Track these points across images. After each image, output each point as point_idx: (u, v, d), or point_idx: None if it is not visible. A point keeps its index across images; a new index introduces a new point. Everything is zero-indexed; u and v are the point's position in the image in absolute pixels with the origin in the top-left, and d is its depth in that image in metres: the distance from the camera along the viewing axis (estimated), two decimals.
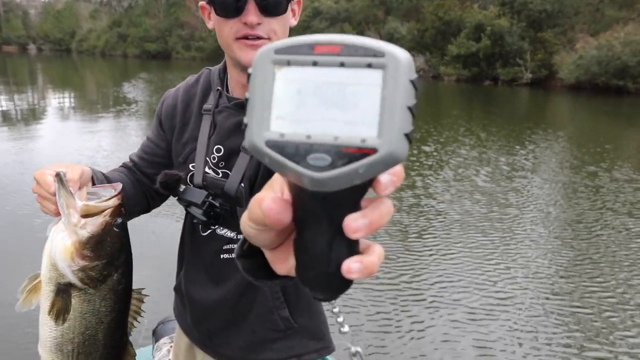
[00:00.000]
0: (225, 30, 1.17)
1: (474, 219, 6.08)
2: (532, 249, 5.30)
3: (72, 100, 17.42)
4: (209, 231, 1.31)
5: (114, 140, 10.15)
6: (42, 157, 8.53)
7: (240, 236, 1.28)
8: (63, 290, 0.94)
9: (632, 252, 5.23)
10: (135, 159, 1.42)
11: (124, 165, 1.42)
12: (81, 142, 9.70)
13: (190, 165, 1.29)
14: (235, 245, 1.29)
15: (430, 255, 5.04)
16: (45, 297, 0.96)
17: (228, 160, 1.25)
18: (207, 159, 1.27)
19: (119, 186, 1.01)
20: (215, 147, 1.26)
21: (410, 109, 0.35)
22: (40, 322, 0.99)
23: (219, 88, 1.29)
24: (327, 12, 34.72)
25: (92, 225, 0.94)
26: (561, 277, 4.68)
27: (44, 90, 20.05)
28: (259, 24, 1.14)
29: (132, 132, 11.19)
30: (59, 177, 0.93)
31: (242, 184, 1.21)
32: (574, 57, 23.35)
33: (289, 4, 1.19)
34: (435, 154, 9.51)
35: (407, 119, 0.35)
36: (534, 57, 26.14)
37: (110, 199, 0.97)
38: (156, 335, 2.09)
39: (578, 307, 4.13)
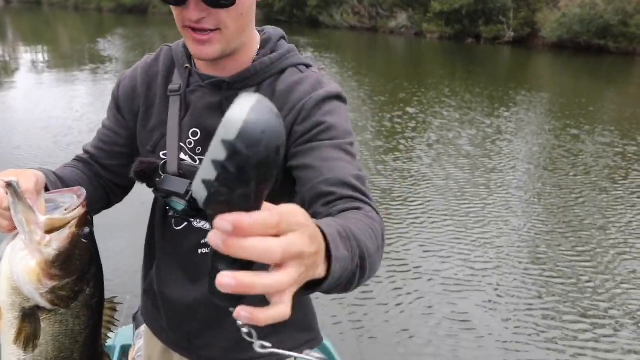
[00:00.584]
0: (175, 14, 1.04)
1: (456, 184, 6.08)
2: (514, 215, 5.32)
3: (44, 57, 16.80)
4: (184, 224, 1.20)
5: (88, 101, 9.82)
6: (11, 119, 8.25)
7: None
8: (29, 315, 0.84)
9: (611, 217, 5.29)
10: (91, 150, 1.26)
11: (78, 158, 1.26)
12: (54, 103, 9.38)
13: (161, 153, 1.16)
14: None
15: (413, 222, 5.04)
16: (8, 326, 0.85)
17: (206, 144, 1.13)
18: (182, 144, 1.14)
19: (82, 191, 0.88)
20: (191, 130, 1.14)
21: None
22: (3, 353, 0.88)
23: (187, 65, 1.16)
24: None
25: (58, 241, 0.83)
26: (541, 244, 4.72)
27: (14, 46, 19.27)
28: (203, 18, 1.00)
29: (107, 92, 10.83)
30: (12, 188, 0.78)
31: None
32: (557, 15, 23.15)
33: None
34: (421, 115, 9.41)
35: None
36: (517, 15, 25.84)
37: (76, 208, 0.86)
38: (137, 321, 2.02)
39: (557, 274, 4.18)
